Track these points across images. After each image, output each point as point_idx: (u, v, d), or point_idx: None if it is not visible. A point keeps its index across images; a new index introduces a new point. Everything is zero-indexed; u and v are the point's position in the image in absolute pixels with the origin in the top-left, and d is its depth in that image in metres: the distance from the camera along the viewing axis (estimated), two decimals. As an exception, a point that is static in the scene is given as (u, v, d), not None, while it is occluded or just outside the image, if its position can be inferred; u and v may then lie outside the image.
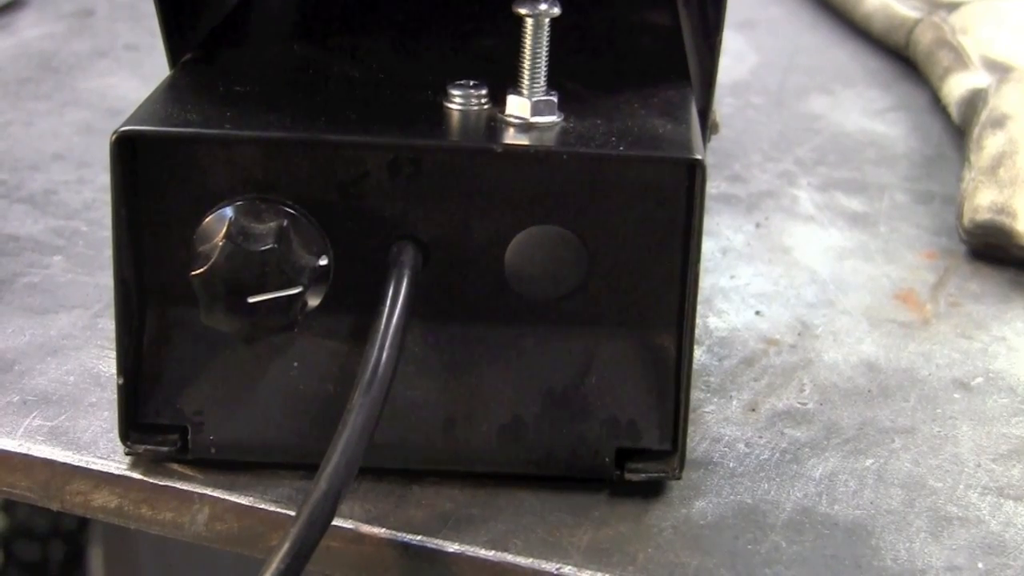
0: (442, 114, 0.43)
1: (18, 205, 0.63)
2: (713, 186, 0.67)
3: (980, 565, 0.42)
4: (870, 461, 0.47)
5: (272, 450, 0.44)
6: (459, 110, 0.44)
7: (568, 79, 0.45)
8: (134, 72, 0.79)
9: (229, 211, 0.41)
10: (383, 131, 0.42)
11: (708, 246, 0.60)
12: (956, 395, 0.51)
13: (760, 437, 0.48)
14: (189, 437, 0.44)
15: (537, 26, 0.43)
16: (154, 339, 0.43)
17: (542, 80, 0.43)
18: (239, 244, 0.40)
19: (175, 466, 0.44)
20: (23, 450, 0.45)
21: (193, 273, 0.40)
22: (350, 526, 0.43)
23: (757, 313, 0.56)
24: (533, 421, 0.44)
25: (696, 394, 0.50)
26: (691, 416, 0.45)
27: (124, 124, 0.41)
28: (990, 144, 0.65)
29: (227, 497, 0.43)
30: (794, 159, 0.72)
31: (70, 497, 0.45)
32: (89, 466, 0.45)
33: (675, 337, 0.43)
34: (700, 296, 0.43)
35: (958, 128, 0.74)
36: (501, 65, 0.45)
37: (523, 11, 0.43)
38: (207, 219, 0.41)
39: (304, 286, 0.41)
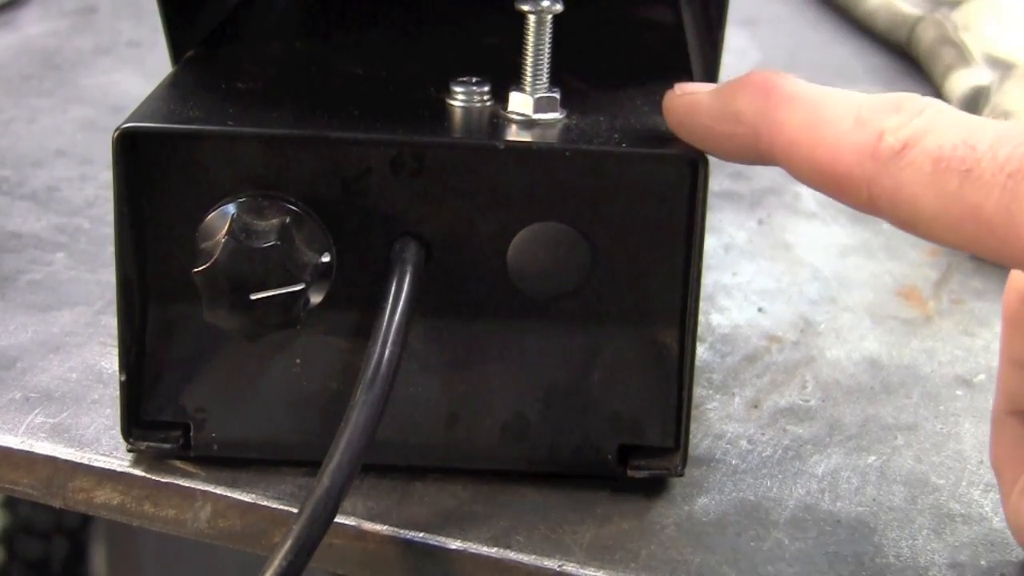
0: (445, 111, 0.43)
1: (20, 202, 0.63)
2: (715, 183, 0.67)
3: (983, 562, 0.42)
4: (872, 458, 0.47)
5: (274, 447, 0.44)
6: (462, 107, 0.44)
7: (571, 76, 0.45)
8: (137, 69, 0.79)
9: (231, 208, 0.41)
10: (386, 128, 0.42)
11: (710, 243, 0.60)
12: (959, 392, 0.51)
13: (762, 434, 0.48)
14: (191, 434, 0.44)
15: (540, 23, 0.43)
16: (156, 336, 0.43)
17: (545, 77, 0.43)
18: (241, 241, 0.40)
19: (177, 463, 0.44)
20: (25, 447, 0.45)
21: (195, 270, 0.40)
22: (352, 523, 0.43)
23: (759, 310, 0.56)
24: (536, 418, 0.44)
25: (698, 391, 0.50)
26: (693, 413, 0.45)
27: (126, 121, 0.41)
28: (993, 141, 0.65)
29: (229, 494, 0.44)
30: (796, 156, 0.71)
31: (72, 494, 0.45)
32: (91, 463, 0.45)
33: (677, 334, 0.43)
34: (702, 293, 0.43)
35: (961, 125, 0.74)
36: (504, 62, 0.45)
37: (526, 8, 0.43)
38: (209, 216, 0.41)
39: (306, 283, 0.41)
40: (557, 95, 0.43)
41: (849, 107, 0.36)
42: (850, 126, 0.36)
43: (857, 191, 0.36)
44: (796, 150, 0.37)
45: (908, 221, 0.35)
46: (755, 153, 0.38)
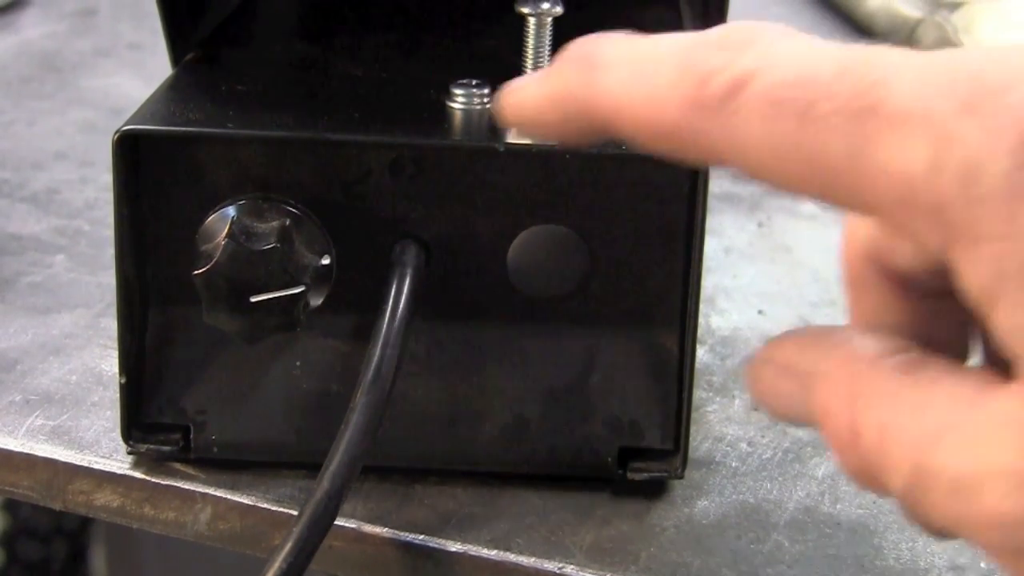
0: (445, 113, 0.43)
1: (21, 204, 0.63)
2: (715, 185, 0.67)
3: (983, 564, 0.42)
4: (873, 460, 0.47)
5: (274, 449, 0.44)
6: (462, 109, 0.44)
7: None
8: (137, 71, 0.79)
9: (231, 210, 0.41)
10: (386, 130, 0.42)
11: (710, 245, 0.60)
12: (959, 394, 0.51)
13: (762, 436, 0.48)
14: (191, 436, 0.44)
15: (540, 25, 0.43)
16: (156, 338, 0.43)
17: (545, 79, 0.43)
18: (241, 243, 0.40)
19: (177, 465, 0.44)
20: (25, 449, 0.45)
21: (195, 272, 0.40)
22: (352, 525, 0.43)
23: (759, 312, 0.56)
24: (536, 420, 0.44)
25: (698, 393, 0.50)
26: (693, 415, 0.45)
27: (127, 123, 0.41)
28: (993, 143, 0.65)
29: (229, 496, 0.43)
30: (796, 158, 0.71)
31: (72, 496, 0.45)
32: (91, 465, 0.45)
33: (677, 336, 0.43)
34: (702, 295, 0.43)
35: (961, 127, 0.74)
36: (504, 64, 0.45)
37: (526, 10, 0.42)
38: (210, 218, 0.41)
39: (306, 285, 0.41)
40: (557, 97, 0.43)
41: (673, 53, 0.32)
42: (674, 75, 0.32)
43: (689, 146, 0.32)
44: (623, 113, 0.33)
45: (754, 173, 0.31)
46: (593, 130, 0.34)
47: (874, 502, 0.45)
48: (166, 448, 0.44)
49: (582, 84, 0.34)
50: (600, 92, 0.33)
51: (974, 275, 0.27)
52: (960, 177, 0.27)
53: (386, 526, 0.43)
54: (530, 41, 0.43)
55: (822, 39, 0.32)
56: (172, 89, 0.45)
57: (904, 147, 0.28)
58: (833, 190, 0.30)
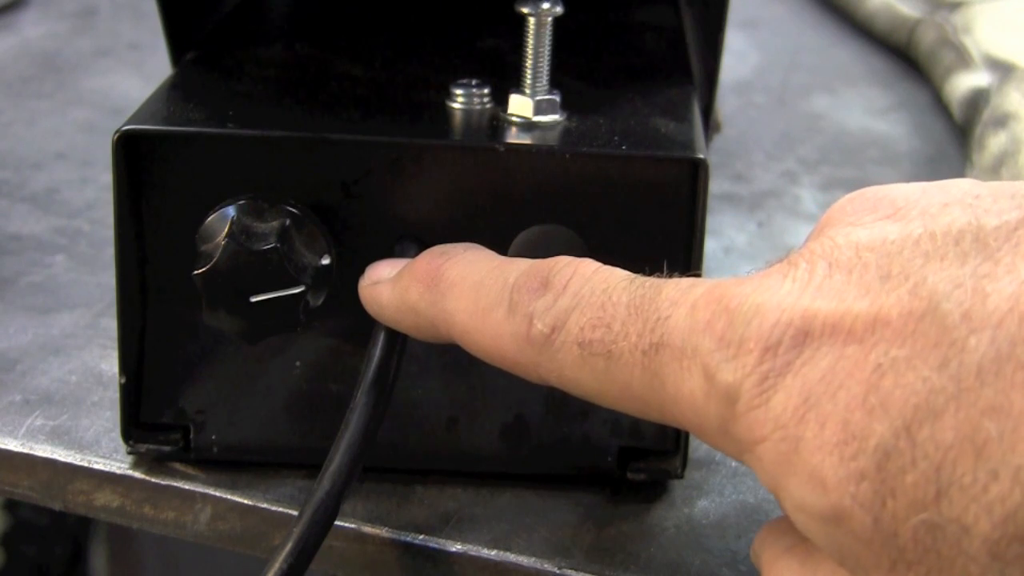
0: (445, 113, 0.43)
1: (20, 204, 0.63)
2: (715, 185, 0.67)
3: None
4: (873, 460, 0.47)
5: (274, 449, 0.44)
6: (462, 109, 0.44)
7: (571, 78, 0.45)
8: (136, 71, 0.79)
9: (231, 210, 0.41)
10: (386, 130, 0.42)
11: (710, 245, 0.60)
12: (959, 394, 0.51)
13: (763, 436, 0.48)
14: (191, 436, 0.44)
15: (540, 25, 0.43)
16: (156, 338, 0.43)
17: (545, 79, 0.43)
18: (241, 243, 0.40)
19: (177, 465, 0.44)
20: (25, 449, 0.45)
21: (195, 272, 0.40)
22: (352, 526, 0.43)
23: (759, 312, 0.56)
24: (535, 421, 0.44)
25: (698, 393, 0.50)
26: (694, 415, 0.45)
27: (126, 123, 0.41)
28: (992, 143, 0.65)
29: (229, 496, 0.43)
30: (796, 158, 0.72)
31: (72, 497, 0.45)
32: (91, 465, 0.45)
33: (678, 336, 0.43)
34: (703, 295, 0.43)
35: (960, 127, 0.74)
36: (504, 64, 0.44)
37: (526, 10, 0.42)
38: (209, 218, 0.41)
39: (306, 285, 0.41)
40: (557, 97, 0.43)
41: (503, 290, 0.37)
42: (505, 313, 0.36)
43: (529, 374, 0.36)
44: (468, 338, 0.38)
45: (584, 396, 0.36)
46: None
47: (874, 502, 0.45)
48: (166, 448, 0.44)
49: (429, 304, 0.39)
50: (446, 316, 0.38)
51: (762, 472, 0.31)
52: (727, 400, 0.31)
53: (386, 526, 0.43)
54: (530, 41, 0.43)
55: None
56: (172, 88, 0.45)
57: (685, 379, 0.32)
58: (646, 411, 0.34)
